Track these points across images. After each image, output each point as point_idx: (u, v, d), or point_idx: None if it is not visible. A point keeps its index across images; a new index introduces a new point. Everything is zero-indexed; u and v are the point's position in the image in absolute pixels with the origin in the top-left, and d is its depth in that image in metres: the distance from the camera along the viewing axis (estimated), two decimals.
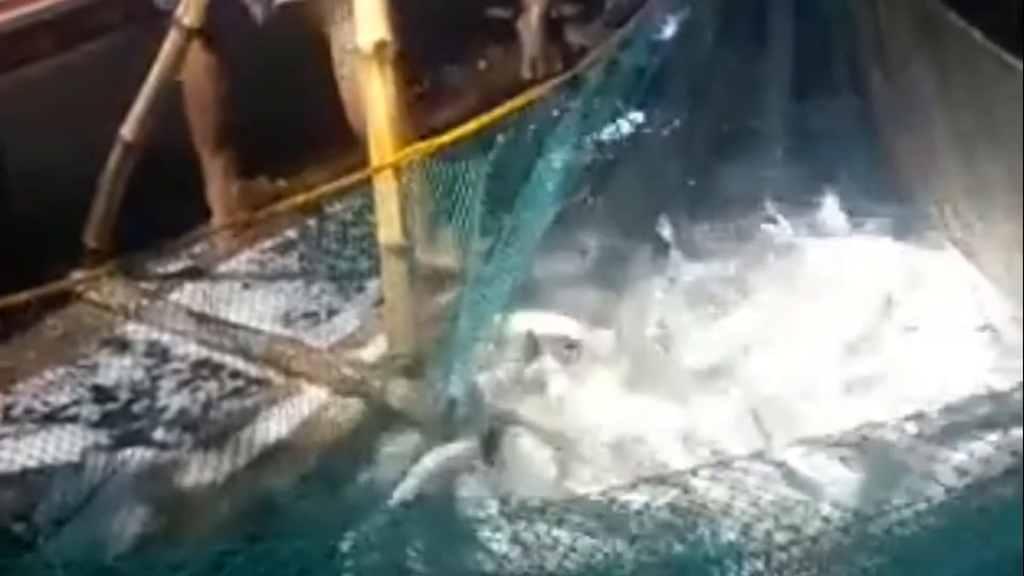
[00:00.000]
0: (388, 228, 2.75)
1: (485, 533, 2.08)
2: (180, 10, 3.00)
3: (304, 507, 2.63)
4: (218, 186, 3.43)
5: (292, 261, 3.44)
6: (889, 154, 3.46)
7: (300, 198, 2.95)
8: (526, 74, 4.12)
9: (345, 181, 2.83)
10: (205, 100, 3.26)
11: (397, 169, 2.69)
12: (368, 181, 2.77)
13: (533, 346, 3.04)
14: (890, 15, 3.37)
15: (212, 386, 3.02)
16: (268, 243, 3.47)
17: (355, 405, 2.91)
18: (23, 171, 3.26)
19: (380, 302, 3.04)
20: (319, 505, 2.65)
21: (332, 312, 3.24)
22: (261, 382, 3.02)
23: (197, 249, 3.41)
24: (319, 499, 2.67)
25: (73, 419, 2.92)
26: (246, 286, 3.33)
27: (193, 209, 3.43)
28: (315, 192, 2.93)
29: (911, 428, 2.18)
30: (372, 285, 3.19)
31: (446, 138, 2.72)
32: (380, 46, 2.63)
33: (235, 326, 3.13)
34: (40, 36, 3.31)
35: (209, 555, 1.97)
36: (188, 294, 3.27)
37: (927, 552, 2.11)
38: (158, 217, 3.23)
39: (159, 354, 3.12)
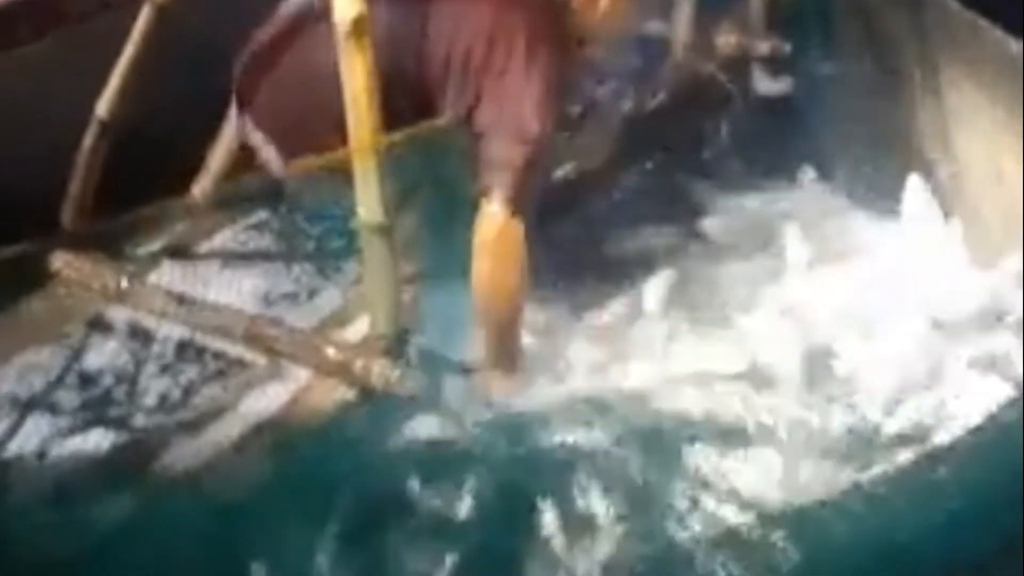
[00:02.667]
0: (368, 206, 2.71)
1: None
2: None
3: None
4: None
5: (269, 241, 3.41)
6: None
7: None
8: None
9: (323, 159, 2.79)
10: None
11: (376, 150, 2.65)
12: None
13: None
14: None
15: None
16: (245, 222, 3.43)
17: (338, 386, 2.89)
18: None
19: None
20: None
21: (313, 292, 3.22)
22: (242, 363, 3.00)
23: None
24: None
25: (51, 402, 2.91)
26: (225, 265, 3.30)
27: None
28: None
29: None
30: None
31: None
32: (359, 21, 2.58)
33: (215, 306, 3.10)
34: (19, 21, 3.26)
35: None
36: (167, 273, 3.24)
37: None
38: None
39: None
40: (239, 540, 2.52)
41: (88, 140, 3.12)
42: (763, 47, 4.15)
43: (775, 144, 3.79)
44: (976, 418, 2.48)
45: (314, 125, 2.91)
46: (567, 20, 3.03)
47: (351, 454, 2.72)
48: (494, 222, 2.84)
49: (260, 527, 2.54)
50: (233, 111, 3.25)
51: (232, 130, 3.32)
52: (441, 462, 2.68)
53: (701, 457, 2.59)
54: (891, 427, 2.65)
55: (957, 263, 3.12)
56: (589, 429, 2.67)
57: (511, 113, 2.87)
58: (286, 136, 3.04)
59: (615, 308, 3.18)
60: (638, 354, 3.01)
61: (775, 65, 4.14)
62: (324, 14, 2.75)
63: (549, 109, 2.91)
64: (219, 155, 3.40)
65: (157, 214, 3.41)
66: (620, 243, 3.46)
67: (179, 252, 3.32)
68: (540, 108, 2.88)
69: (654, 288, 3.21)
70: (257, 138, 3.10)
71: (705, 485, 2.52)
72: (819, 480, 2.52)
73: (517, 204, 2.85)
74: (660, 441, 2.64)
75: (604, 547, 2.44)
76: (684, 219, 3.53)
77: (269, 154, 3.08)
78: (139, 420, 2.88)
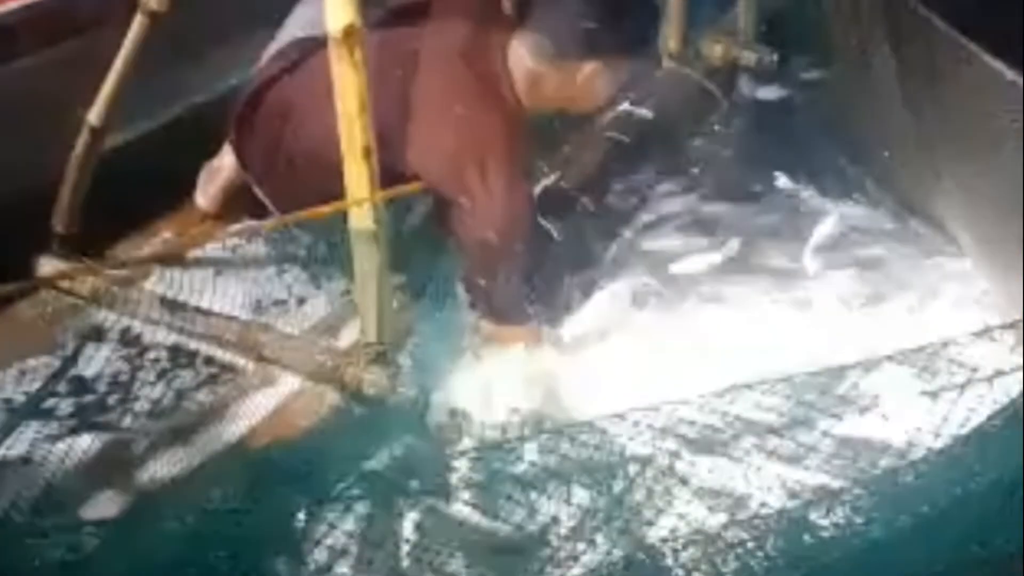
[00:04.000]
0: (358, 213, 2.72)
1: None
2: None
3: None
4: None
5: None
6: None
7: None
8: None
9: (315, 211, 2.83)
10: None
11: (367, 155, 2.67)
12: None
13: None
14: None
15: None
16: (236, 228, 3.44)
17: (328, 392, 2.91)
18: None
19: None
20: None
21: (303, 299, 3.24)
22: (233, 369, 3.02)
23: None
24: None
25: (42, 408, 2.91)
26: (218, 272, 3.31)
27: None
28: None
29: None
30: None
31: None
32: (349, 31, 2.59)
33: (207, 312, 3.12)
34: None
35: None
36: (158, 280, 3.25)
37: None
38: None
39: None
40: (226, 547, 2.52)
41: (79, 147, 3.12)
42: (750, 56, 4.19)
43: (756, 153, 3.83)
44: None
45: (305, 177, 2.96)
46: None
47: (340, 461, 2.72)
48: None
49: (248, 533, 2.54)
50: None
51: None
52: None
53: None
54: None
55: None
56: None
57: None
58: (273, 184, 3.12)
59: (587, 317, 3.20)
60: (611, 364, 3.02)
61: (763, 73, 4.18)
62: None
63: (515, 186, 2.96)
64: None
65: (149, 221, 3.43)
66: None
67: (170, 259, 3.32)
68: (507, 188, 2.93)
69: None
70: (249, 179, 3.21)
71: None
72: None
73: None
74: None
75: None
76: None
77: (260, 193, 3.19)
78: (130, 426, 2.88)
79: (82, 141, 3.13)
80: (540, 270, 3.20)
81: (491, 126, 2.97)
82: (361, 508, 2.50)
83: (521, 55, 3.02)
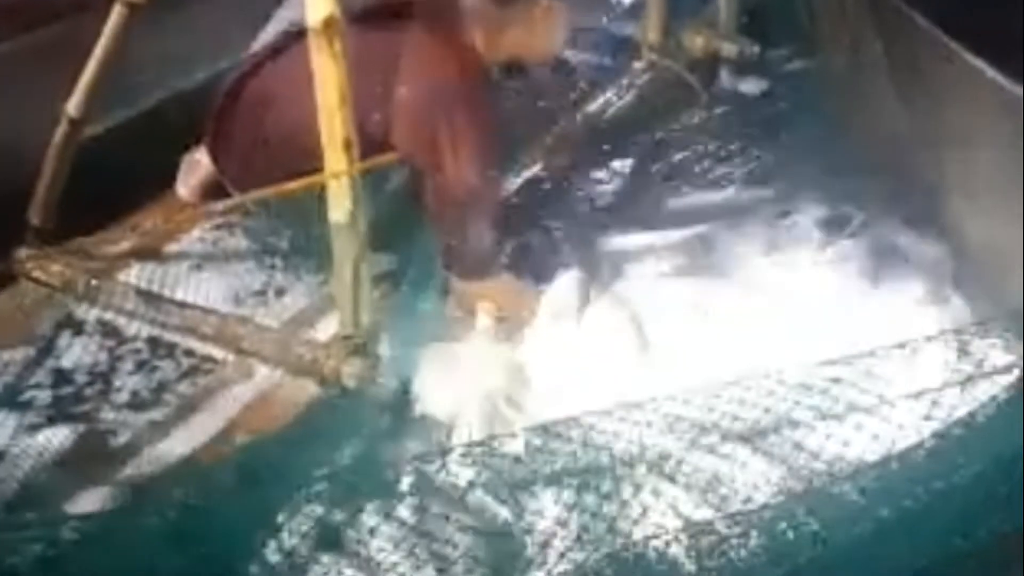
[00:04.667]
0: (337, 205, 2.71)
1: None
2: None
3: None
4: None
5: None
6: None
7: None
8: None
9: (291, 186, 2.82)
10: None
11: (348, 146, 2.65)
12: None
13: None
14: None
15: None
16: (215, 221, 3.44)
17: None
18: None
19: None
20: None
21: (282, 291, 3.23)
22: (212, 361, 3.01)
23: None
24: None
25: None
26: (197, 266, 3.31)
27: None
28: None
29: None
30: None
31: None
32: (329, 22, 2.57)
33: (184, 305, 3.10)
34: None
35: None
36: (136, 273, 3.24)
37: None
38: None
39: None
40: (207, 541, 2.51)
41: (57, 138, 3.10)
42: (731, 48, 4.19)
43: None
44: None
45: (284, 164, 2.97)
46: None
47: (319, 453, 2.72)
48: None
49: (228, 527, 2.53)
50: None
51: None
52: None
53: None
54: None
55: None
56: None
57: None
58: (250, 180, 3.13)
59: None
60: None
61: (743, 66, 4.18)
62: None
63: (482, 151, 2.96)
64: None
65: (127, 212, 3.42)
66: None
67: (148, 251, 3.31)
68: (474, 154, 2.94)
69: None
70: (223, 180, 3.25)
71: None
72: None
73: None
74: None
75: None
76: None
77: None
78: (107, 418, 2.87)
79: (60, 132, 3.12)
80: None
81: (453, 81, 2.98)
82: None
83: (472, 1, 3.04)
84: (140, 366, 3.01)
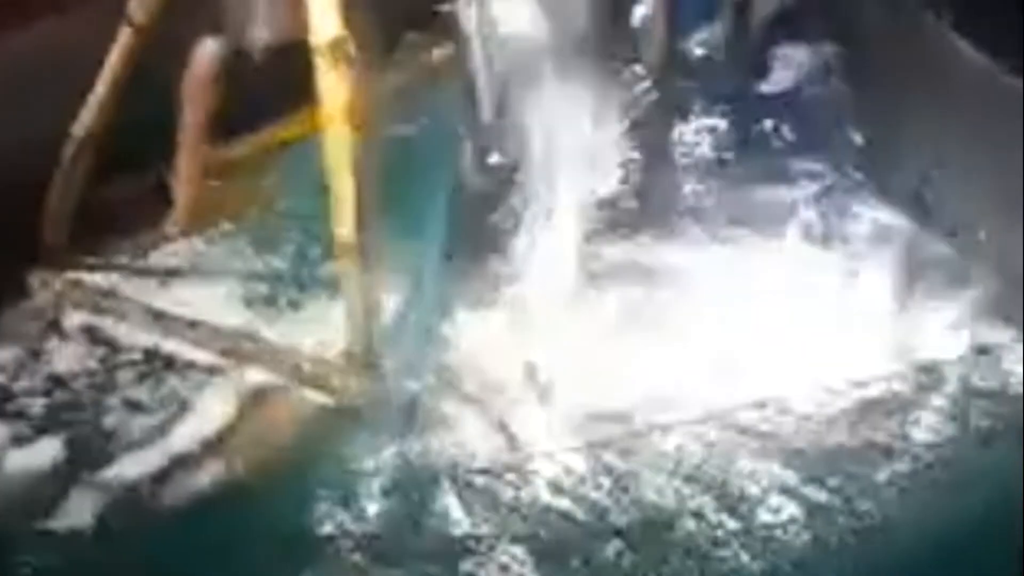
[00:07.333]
0: (343, 225, 2.73)
1: None
2: (131, 7, 2.96)
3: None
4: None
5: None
6: None
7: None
8: None
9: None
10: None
11: (355, 167, 2.68)
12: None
13: None
14: None
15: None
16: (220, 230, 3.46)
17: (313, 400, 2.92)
18: None
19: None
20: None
21: (291, 303, 3.23)
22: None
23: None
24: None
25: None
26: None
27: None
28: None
29: None
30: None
31: None
32: (337, 43, 2.60)
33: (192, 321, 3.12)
34: None
35: None
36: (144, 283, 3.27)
37: None
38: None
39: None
40: (197, 547, 2.54)
41: (66, 159, 3.12)
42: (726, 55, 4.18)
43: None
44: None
45: None
46: None
47: (318, 468, 2.75)
48: None
49: (220, 536, 2.56)
50: None
51: None
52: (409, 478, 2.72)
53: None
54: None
55: None
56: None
57: None
58: None
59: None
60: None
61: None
62: None
63: None
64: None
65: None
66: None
67: (155, 259, 3.35)
68: None
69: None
70: None
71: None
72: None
73: None
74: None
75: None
76: None
77: None
78: (100, 426, 2.89)
79: (68, 153, 3.13)
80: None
81: None
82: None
83: None
84: (137, 376, 3.03)
